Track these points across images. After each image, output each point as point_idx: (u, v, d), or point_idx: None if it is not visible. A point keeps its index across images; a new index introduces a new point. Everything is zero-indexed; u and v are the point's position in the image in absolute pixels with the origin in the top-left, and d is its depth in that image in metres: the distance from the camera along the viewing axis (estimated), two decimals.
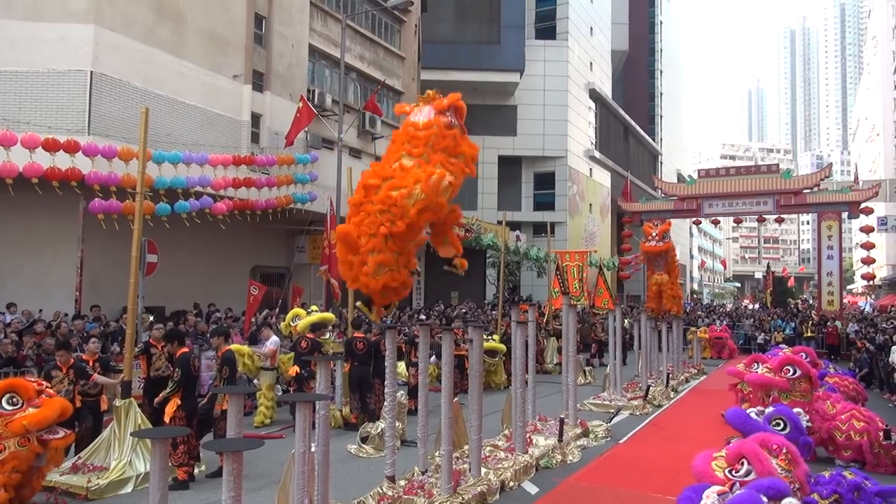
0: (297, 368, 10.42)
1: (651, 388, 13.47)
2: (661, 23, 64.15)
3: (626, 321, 18.92)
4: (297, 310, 12.61)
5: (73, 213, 13.99)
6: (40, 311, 13.37)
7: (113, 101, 14.92)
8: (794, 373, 8.81)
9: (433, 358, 12.04)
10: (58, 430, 5.47)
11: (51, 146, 12.89)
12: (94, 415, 7.93)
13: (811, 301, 41.65)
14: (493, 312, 21.70)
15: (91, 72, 14.55)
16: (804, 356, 13.10)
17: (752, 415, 7.37)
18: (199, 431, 7.77)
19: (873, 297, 50.42)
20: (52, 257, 14.78)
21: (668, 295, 18.10)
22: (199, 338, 12.46)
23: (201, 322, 14.25)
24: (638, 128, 53.86)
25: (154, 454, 3.89)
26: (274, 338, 11.43)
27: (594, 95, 43.45)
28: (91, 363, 8.07)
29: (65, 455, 6.82)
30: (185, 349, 7.97)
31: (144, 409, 8.23)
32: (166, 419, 7.39)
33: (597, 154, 43.08)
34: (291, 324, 11.68)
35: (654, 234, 16.99)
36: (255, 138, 18.83)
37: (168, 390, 7.48)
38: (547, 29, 40.31)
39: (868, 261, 29.57)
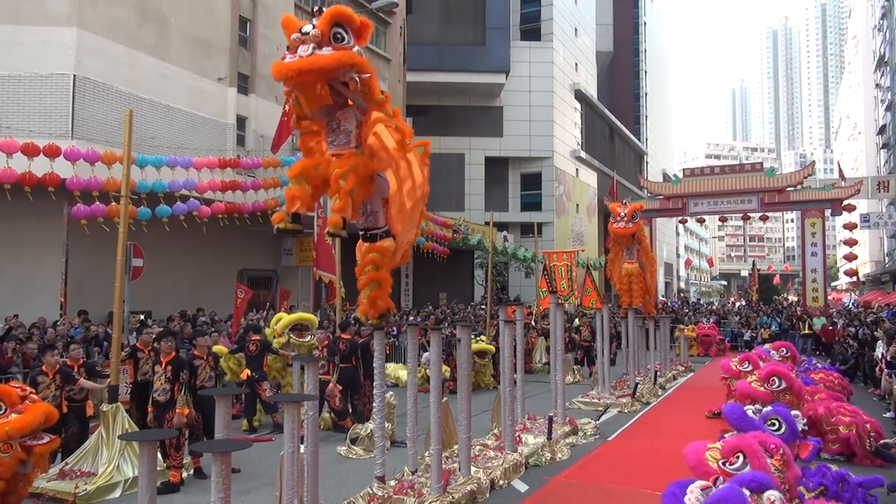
0: (248, 371, 10.35)
1: (639, 385, 13.53)
2: (644, 24, 64.61)
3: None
4: (280, 314, 12.47)
5: (57, 217, 13.86)
6: (15, 316, 12.97)
7: (96, 104, 14.80)
8: (780, 384, 8.83)
9: (425, 355, 12.01)
10: (42, 435, 5.39)
11: (30, 151, 12.67)
12: (79, 420, 7.84)
13: (796, 298, 41.96)
14: (482, 311, 21.68)
15: (74, 75, 14.43)
16: (785, 350, 13.19)
17: (750, 412, 7.39)
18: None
19: (857, 293, 50.97)
20: (36, 262, 14.61)
21: (638, 288, 14.74)
22: (186, 342, 12.40)
23: (188, 326, 14.16)
24: (623, 128, 54.14)
25: (142, 457, 3.87)
26: None
27: (579, 96, 43.65)
28: (76, 368, 7.99)
29: (51, 461, 6.75)
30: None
31: (132, 413, 8.17)
32: None
33: (583, 154, 43.26)
34: (275, 327, 11.55)
35: (622, 213, 13.98)
36: (240, 141, 18.76)
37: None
38: (532, 30, 40.49)
39: (851, 257, 29.88)
